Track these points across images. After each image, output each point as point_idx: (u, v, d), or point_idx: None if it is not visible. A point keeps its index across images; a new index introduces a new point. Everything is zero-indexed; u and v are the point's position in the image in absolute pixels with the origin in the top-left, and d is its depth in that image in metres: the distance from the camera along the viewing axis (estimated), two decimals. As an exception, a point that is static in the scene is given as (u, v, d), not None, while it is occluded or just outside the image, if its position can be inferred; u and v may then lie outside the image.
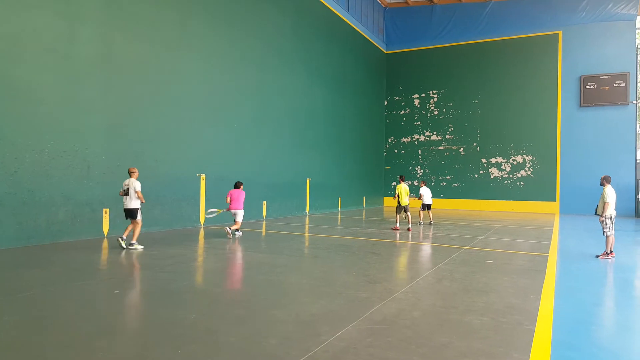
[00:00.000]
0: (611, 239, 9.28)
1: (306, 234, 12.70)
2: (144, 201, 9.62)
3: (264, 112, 17.34)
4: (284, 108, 18.68)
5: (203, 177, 14.22)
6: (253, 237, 11.89)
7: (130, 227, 9.64)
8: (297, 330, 4.43)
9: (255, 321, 4.69)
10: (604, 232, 9.34)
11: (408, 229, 14.02)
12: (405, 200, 14.30)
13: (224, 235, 11.75)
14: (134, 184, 9.37)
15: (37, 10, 9.81)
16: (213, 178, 14.54)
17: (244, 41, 16.17)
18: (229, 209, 11.77)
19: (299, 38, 19.72)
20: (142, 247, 9.49)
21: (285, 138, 18.75)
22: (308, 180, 20.28)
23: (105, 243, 10.22)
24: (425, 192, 16.36)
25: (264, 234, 12.88)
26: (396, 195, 14.44)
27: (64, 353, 3.81)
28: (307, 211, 20.24)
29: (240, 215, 11.81)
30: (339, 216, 19.71)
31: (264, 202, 17.35)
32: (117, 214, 11.44)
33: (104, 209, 11.18)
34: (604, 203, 9.25)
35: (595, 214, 9.58)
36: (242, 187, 12.06)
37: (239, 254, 9.03)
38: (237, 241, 10.87)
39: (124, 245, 9.33)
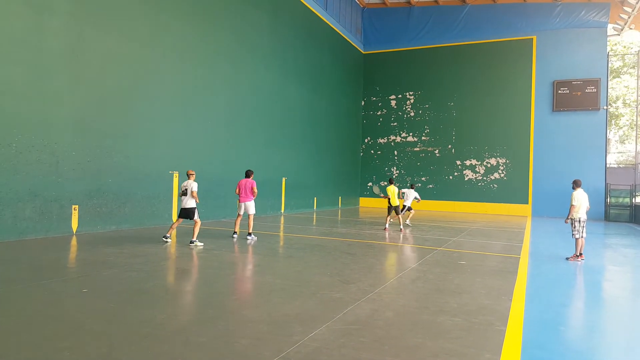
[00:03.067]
0: (580, 241, 9.48)
1: (281, 234, 12.62)
2: (198, 201, 10.01)
3: (238, 109, 17.16)
4: (259, 105, 18.54)
5: (176, 175, 13.98)
6: (226, 236, 11.73)
7: (175, 226, 10.13)
8: (270, 330, 4.37)
9: (226, 321, 4.61)
10: (573, 234, 9.56)
11: (400, 230, 14.05)
12: (395, 201, 14.39)
13: (245, 237, 11.09)
14: (192, 185, 9.85)
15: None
16: (186, 175, 14.28)
17: (218, 37, 15.97)
18: (239, 201, 10.88)
19: (275, 35, 19.60)
20: (202, 244, 9.72)
21: (260, 136, 18.61)
22: (284, 179, 20.18)
23: (74, 240, 9.93)
24: (408, 193, 16.26)
25: (238, 232, 12.72)
26: (387, 196, 14.54)
27: (29, 353, 3.66)
28: (282, 211, 20.14)
29: (251, 208, 10.84)
30: (315, 216, 19.68)
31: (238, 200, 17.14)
32: (86, 211, 11.15)
33: (73, 206, 10.87)
34: (571, 206, 9.49)
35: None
36: (252, 176, 10.99)
37: (211, 253, 8.89)
38: (233, 241, 10.68)
39: (193, 244, 9.66)
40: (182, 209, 9.92)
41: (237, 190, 10.94)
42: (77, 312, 4.82)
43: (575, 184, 9.72)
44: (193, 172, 10.17)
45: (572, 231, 9.55)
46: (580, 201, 9.49)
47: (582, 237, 9.50)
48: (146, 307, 5.07)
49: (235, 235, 10.98)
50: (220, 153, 16.09)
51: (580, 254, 9.56)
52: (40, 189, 10.13)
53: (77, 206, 10.95)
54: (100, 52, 11.59)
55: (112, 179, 11.88)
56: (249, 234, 10.83)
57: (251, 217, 10.94)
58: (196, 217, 9.86)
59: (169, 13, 13.76)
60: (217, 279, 6.66)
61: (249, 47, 17.78)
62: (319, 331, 4.35)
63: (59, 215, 10.57)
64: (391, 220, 15.34)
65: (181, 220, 10.11)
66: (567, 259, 9.64)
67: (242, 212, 10.95)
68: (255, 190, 10.89)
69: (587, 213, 9.73)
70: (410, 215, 16.83)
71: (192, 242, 9.70)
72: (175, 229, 10.43)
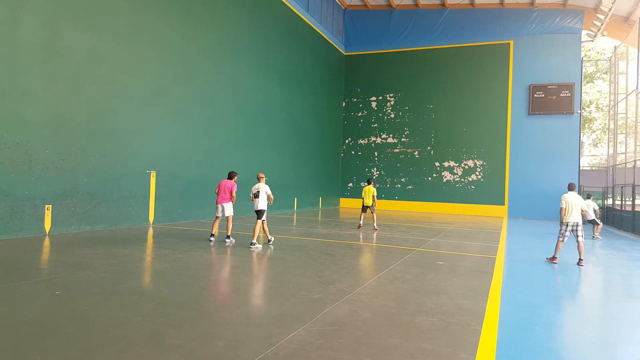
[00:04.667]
0: (560, 245, 9.49)
1: (260, 235, 12.54)
2: (271, 203, 10.63)
3: (218, 108, 17.02)
4: (240, 105, 18.42)
5: (153, 174, 13.78)
6: (205, 236, 11.61)
7: (258, 226, 10.21)
8: (248, 332, 4.34)
9: (203, 323, 4.56)
10: (558, 237, 9.60)
11: (374, 229, 14.80)
12: (368, 200, 15.05)
13: (173, 234, 11.32)
14: (264, 188, 10.41)
15: (-25, -8, 9.20)
16: (164, 175, 14.12)
17: (198, 35, 15.81)
18: (217, 203, 10.68)
19: (256, 35, 19.50)
20: (261, 246, 10.21)
21: (240, 135, 18.48)
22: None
23: (46, 241, 9.69)
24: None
25: (216, 234, 12.61)
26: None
27: (0, 357, 3.55)
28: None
29: (228, 209, 10.65)
30: (295, 217, 19.64)
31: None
32: (59, 211, 10.89)
33: (47, 206, 10.61)
34: (560, 209, 9.57)
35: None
36: (235, 178, 10.84)
37: (189, 255, 8.79)
38: (210, 245, 10.56)
39: (271, 240, 10.61)
40: (256, 210, 10.35)
41: (217, 190, 10.73)
42: (49, 315, 4.71)
43: (568, 187, 9.68)
44: (263, 175, 10.80)
45: (558, 234, 9.60)
46: (569, 204, 9.44)
47: (578, 241, 9.39)
48: (121, 309, 4.97)
49: (212, 238, 10.75)
50: (200, 153, 15.92)
51: (580, 259, 9.38)
52: (12, 188, 9.86)
53: (50, 206, 10.70)
54: (76, 49, 11.35)
55: (87, 178, 11.64)
56: (228, 237, 10.69)
57: (230, 219, 10.81)
58: (264, 217, 10.41)
59: (148, 10, 13.56)
60: (194, 281, 6.58)
61: (229, 46, 17.65)
62: (297, 332, 4.34)
63: (32, 215, 10.30)
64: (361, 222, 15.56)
65: (259, 222, 10.33)
66: (546, 259, 9.67)
67: (220, 214, 10.76)
68: (234, 194, 10.75)
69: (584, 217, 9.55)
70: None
71: (269, 240, 10.64)
72: (262, 232, 10.89)
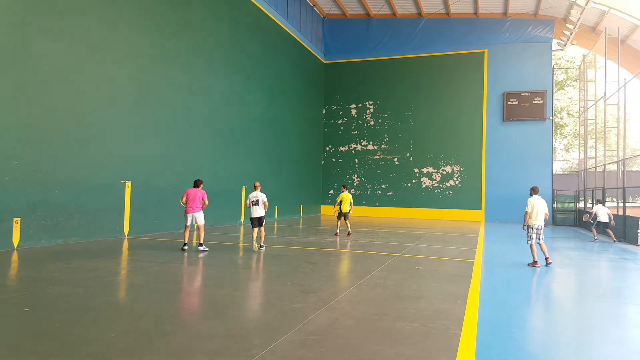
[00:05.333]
0: (535, 247, 9.65)
1: (240, 244, 12.41)
2: (266, 210, 11.05)
3: (196, 116, 16.81)
4: (218, 113, 18.25)
5: (128, 185, 13.49)
6: (179, 248, 11.40)
7: (255, 233, 11.07)
8: (228, 344, 4.23)
9: (182, 336, 4.43)
10: (527, 241, 9.78)
11: (348, 234, 15.04)
12: (346, 207, 14.98)
13: (149, 246, 11.09)
14: (262, 196, 10.89)
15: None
16: (139, 185, 13.83)
17: (174, 44, 15.64)
18: (186, 212, 10.59)
19: (235, 43, 19.42)
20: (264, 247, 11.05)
21: (219, 144, 18.30)
22: (243, 188, 19.91)
23: (14, 256, 9.35)
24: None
25: (194, 244, 12.42)
26: (337, 203, 15.20)
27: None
28: (242, 220, 19.84)
29: (200, 218, 10.68)
30: (276, 225, 19.50)
31: (197, 210, 16.76)
32: (29, 224, 10.51)
33: (15, 219, 10.23)
34: (525, 213, 9.72)
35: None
36: (202, 185, 10.88)
37: (166, 267, 8.61)
38: (184, 254, 10.35)
39: (263, 247, 10.98)
40: (256, 217, 10.89)
41: (184, 200, 10.61)
42: (17, 333, 4.51)
43: (532, 191, 9.87)
44: (259, 184, 11.27)
45: (527, 238, 9.75)
46: (534, 207, 9.64)
47: (540, 243, 9.64)
48: (94, 324, 4.81)
49: (186, 247, 10.62)
50: (176, 162, 15.67)
51: (547, 258, 9.65)
52: (-20, 201, 9.51)
53: (19, 219, 10.32)
54: (47, 58, 11.07)
55: (58, 189, 11.31)
56: (200, 244, 10.63)
57: (202, 228, 10.76)
58: (264, 223, 11.13)
59: (123, 18, 13.34)
60: (171, 293, 6.43)
61: (207, 54, 17.51)
62: (278, 343, 4.26)
63: None
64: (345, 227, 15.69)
65: (257, 229, 11.02)
66: (528, 265, 9.71)
67: (189, 223, 10.67)
68: (206, 201, 10.78)
69: (546, 220, 9.85)
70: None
71: (260, 246, 11.03)
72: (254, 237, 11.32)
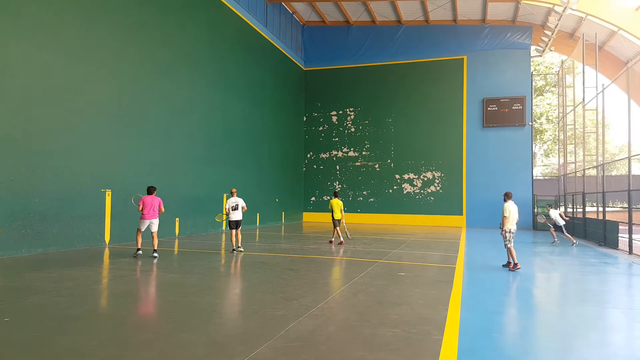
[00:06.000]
0: (513, 250, 9.92)
1: (222, 252, 12.36)
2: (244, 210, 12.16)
3: (175, 124, 16.71)
4: (198, 121, 18.18)
5: (109, 193, 13.34)
6: (164, 256, 11.31)
7: (234, 236, 11.93)
8: (209, 352, 4.24)
9: (163, 345, 4.42)
10: (505, 245, 10.01)
11: (340, 242, 14.68)
12: (338, 214, 14.66)
13: (130, 254, 10.99)
14: (241, 202, 12.02)
15: None
16: (120, 193, 13.67)
17: (154, 51, 15.53)
18: (143, 218, 10.62)
19: (214, 51, 19.38)
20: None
21: (199, 151, 18.21)
22: (225, 195, 19.83)
23: (-7, 266, 9.18)
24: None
25: (176, 252, 12.33)
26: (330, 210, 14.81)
27: None
28: (223, 228, 19.74)
29: (156, 225, 10.83)
30: (257, 232, 19.45)
31: (177, 218, 16.64)
32: (9, 234, 10.34)
33: (-6, 228, 10.08)
34: (503, 217, 9.96)
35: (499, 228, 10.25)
36: (155, 192, 10.97)
37: (147, 275, 8.53)
38: (154, 262, 10.26)
39: (241, 249, 12.00)
40: (233, 221, 11.87)
41: (140, 208, 10.62)
42: (-5, 344, 4.45)
43: (507, 196, 10.17)
44: (236, 190, 12.53)
45: (505, 241, 10.00)
46: (511, 212, 9.95)
47: (512, 246, 9.99)
48: (76, 334, 4.76)
49: (140, 252, 10.78)
50: (157, 170, 15.54)
51: (509, 263, 10.05)
52: (-45, 211, 9.32)
53: (-1, 228, 10.16)
54: (25, 67, 10.92)
55: (38, 198, 11.14)
56: (155, 251, 10.77)
57: (155, 235, 10.90)
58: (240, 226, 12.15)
59: (102, 26, 13.23)
60: (153, 302, 6.39)
61: (187, 62, 17.44)
62: (260, 350, 4.28)
63: (-23, 238, 9.75)
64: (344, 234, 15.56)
65: (235, 231, 11.93)
66: (509, 270, 9.87)
67: (144, 229, 10.80)
68: (162, 208, 10.96)
69: (517, 224, 10.20)
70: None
71: (238, 247, 11.98)
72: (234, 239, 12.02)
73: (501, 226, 10.03)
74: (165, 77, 16.11)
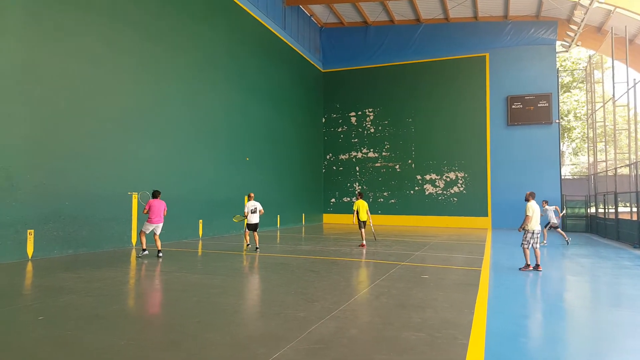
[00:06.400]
0: (530, 252, 9.72)
1: (244, 253, 12.46)
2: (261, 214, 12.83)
3: (198, 128, 16.96)
4: (220, 124, 18.40)
5: (135, 195, 13.60)
6: (188, 257, 11.48)
7: (248, 235, 13.01)
8: (233, 353, 4.28)
9: (188, 345, 4.48)
10: (522, 244, 9.82)
11: (361, 245, 14.21)
12: (364, 215, 14.39)
13: (156, 256, 11.15)
14: (259, 205, 12.70)
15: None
16: (145, 196, 13.92)
17: (175, 56, 15.79)
18: (150, 222, 10.96)
19: (234, 55, 19.57)
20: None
21: (221, 155, 18.43)
22: (245, 197, 19.97)
23: (29, 266, 9.47)
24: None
25: (200, 253, 12.49)
26: (355, 212, 14.47)
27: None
28: (245, 229, 19.84)
29: (160, 228, 11.24)
30: (278, 234, 19.55)
31: (200, 220, 16.86)
32: (41, 235, 10.66)
33: (29, 230, 10.41)
34: (525, 217, 9.77)
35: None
36: (160, 196, 11.39)
37: (172, 276, 8.67)
38: (159, 262, 10.41)
39: (258, 250, 12.50)
40: (252, 223, 12.54)
41: (146, 211, 10.96)
42: (31, 341, 4.60)
43: (530, 196, 10.01)
44: (253, 194, 13.12)
45: (522, 242, 9.82)
46: (535, 212, 9.76)
47: (536, 247, 9.77)
48: (105, 333, 4.88)
49: (146, 252, 11.11)
50: (180, 173, 15.79)
51: (538, 265, 9.80)
52: (-9, 214, 9.67)
53: (32, 230, 10.48)
54: (54, 73, 11.25)
55: (69, 201, 11.45)
56: (160, 251, 11.16)
57: (158, 237, 11.25)
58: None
59: (125, 33, 13.52)
60: (178, 302, 6.48)
61: (208, 66, 17.67)
62: (282, 352, 4.30)
63: (14, 240, 10.10)
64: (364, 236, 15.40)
65: (250, 232, 12.81)
66: (519, 269, 9.84)
67: (149, 232, 11.15)
68: (166, 211, 11.40)
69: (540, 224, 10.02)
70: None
71: (257, 249, 12.54)
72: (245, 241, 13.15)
73: (523, 226, 9.85)
74: (186, 81, 16.35)
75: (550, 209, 16.16)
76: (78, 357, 4.14)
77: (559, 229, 16.34)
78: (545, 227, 16.17)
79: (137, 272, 9.12)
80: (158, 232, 11.19)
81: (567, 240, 15.93)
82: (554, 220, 15.99)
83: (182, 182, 15.76)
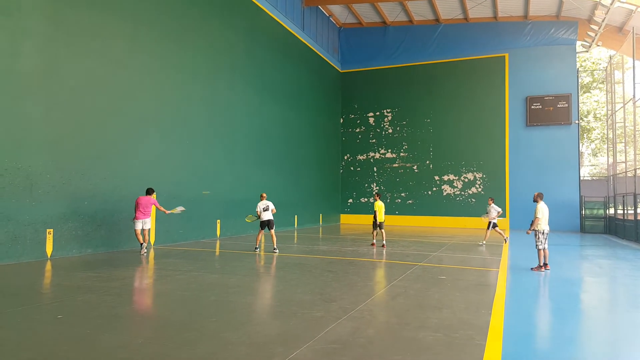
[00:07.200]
0: (542, 252, 9.71)
1: (261, 253, 12.53)
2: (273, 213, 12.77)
3: (216, 128, 17.12)
4: (238, 124, 18.54)
5: (154, 196, 13.74)
6: (206, 257, 11.59)
7: (261, 235, 12.90)
8: (250, 352, 4.31)
9: (206, 344, 4.53)
10: (536, 245, 9.75)
11: (382, 246, 14.17)
12: (381, 216, 14.34)
13: (174, 255, 11.36)
14: (270, 204, 12.73)
15: (-24, 20, 9.35)
16: (164, 196, 14.10)
17: (195, 57, 15.98)
18: (137, 219, 11.49)
19: (252, 56, 19.70)
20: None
21: (239, 154, 18.56)
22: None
23: (48, 265, 9.67)
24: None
25: (217, 253, 12.60)
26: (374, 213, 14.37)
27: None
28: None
29: (148, 223, 11.73)
30: (296, 234, 19.60)
31: (218, 220, 17.01)
32: (61, 234, 10.87)
33: (48, 230, 10.61)
34: (535, 218, 9.71)
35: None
36: (154, 194, 11.96)
37: (190, 275, 8.76)
38: (155, 259, 10.55)
39: (276, 251, 12.51)
40: (265, 220, 12.51)
41: (137, 206, 11.49)
42: (51, 339, 4.69)
43: (539, 197, 9.98)
44: (265, 194, 13.20)
45: (536, 242, 9.77)
46: (545, 214, 9.75)
47: (544, 247, 9.73)
48: (123, 332, 4.96)
49: (144, 245, 11.63)
50: (199, 173, 15.95)
51: (546, 264, 9.79)
52: (13, 213, 9.87)
53: (51, 230, 10.69)
54: (75, 74, 11.46)
55: (87, 201, 11.66)
56: (146, 245, 11.74)
57: (146, 232, 11.79)
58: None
59: (145, 34, 13.73)
60: (196, 301, 6.55)
61: (227, 67, 17.82)
62: (300, 351, 4.32)
63: (33, 239, 10.30)
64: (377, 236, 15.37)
65: (262, 232, 12.77)
66: (531, 269, 9.83)
67: (139, 228, 11.58)
68: (159, 206, 11.91)
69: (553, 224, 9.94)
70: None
71: (274, 249, 12.57)
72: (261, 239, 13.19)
73: (531, 227, 9.82)
74: (205, 82, 16.52)
75: (496, 208, 16.01)
76: (96, 356, 4.21)
77: (497, 229, 16.04)
78: (489, 227, 15.89)
79: (155, 272, 9.24)
80: (147, 227, 11.73)
81: (505, 239, 16.05)
82: (493, 215, 15.77)
83: (200, 183, 15.91)
